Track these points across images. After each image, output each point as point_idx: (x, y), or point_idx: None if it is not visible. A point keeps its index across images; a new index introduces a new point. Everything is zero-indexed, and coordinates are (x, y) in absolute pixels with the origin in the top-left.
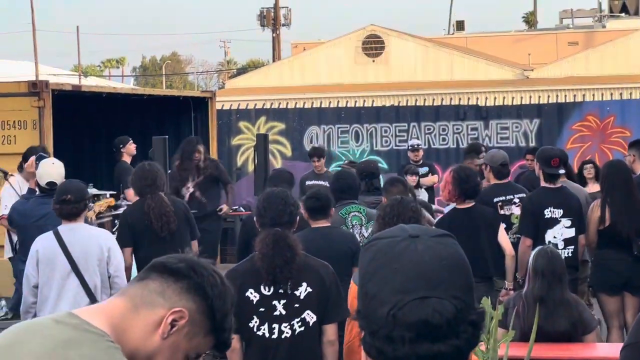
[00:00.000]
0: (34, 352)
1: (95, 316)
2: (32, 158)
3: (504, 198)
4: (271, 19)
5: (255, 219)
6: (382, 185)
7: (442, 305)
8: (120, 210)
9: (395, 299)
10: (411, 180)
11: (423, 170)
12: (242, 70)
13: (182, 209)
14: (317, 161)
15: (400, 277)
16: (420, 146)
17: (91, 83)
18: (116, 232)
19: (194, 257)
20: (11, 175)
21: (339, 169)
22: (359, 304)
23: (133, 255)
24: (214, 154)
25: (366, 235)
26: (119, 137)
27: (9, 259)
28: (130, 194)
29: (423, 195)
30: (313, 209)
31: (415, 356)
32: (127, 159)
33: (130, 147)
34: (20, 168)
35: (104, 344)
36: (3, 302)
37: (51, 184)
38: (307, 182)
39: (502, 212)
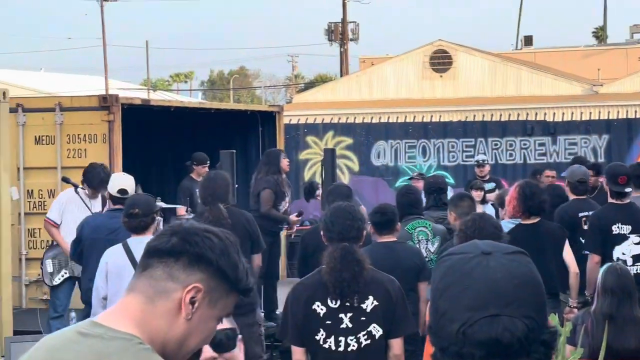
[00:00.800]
0: None
1: (119, 320)
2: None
3: (587, 213)
4: (339, 34)
5: (322, 233)
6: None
7: (513, 324)
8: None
9: (466, 316)
10: (476, 195)
11: (489, 185)
12: (309, 85)
13: (242, 222)
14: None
15: (471, 294)
16: (486, 162)
17: (159, 97)
18: None
19: (182, 225)
20: (82, 188)
21: (405, 183)
22: (430, 319)
23: None
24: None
25: (432, 250)
26: (199, 154)
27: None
28: (181, 212)
29: (489, 210)
30: (379, 223)
31: None
32: (195, 176)
33: (202, 169)
34: (83, 182)
35: (133, 348)
36: (73, 314)
37: (123, 192)
38: None
39: (585, 227)
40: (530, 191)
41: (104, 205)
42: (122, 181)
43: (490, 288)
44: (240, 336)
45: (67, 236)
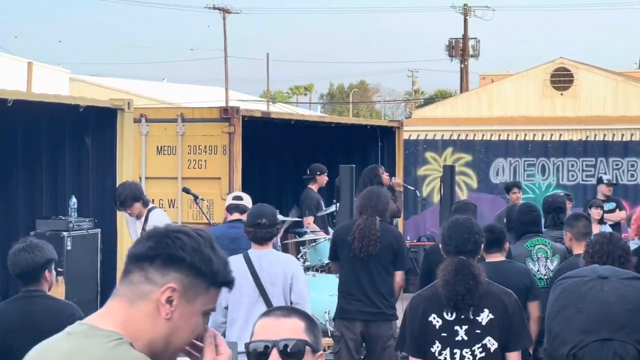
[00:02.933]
0: None
1: (103, 321)
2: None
3: None
4: (459, 50)
5: (440, 246)
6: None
7: (624, 349)
8: (305, 237)
9: (577, 339)
10: (596, 213)
11: (610, 205)
12: (429, 100)
13: (389, 238)
14: (518, 192)
15: (583, 318)
16: (612, 182)
17: (279, 109)
18: (301, 258)
19: (157, 229)
20: (202, 199)
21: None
22: (546, 340)
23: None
24: (400, 180)
25: (551, 268)
26: (317, 165)
27: None
28: (308, 221)
29: (607, 230)
30: (488, 242)
31: None
32: (315, 187)
33: (323, 178)
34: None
35: (111, 342)
36: None
37: (238, 198)
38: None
39: None
40: None
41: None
42: (238, 192)
43: (603, 312)
44: (321, 352)
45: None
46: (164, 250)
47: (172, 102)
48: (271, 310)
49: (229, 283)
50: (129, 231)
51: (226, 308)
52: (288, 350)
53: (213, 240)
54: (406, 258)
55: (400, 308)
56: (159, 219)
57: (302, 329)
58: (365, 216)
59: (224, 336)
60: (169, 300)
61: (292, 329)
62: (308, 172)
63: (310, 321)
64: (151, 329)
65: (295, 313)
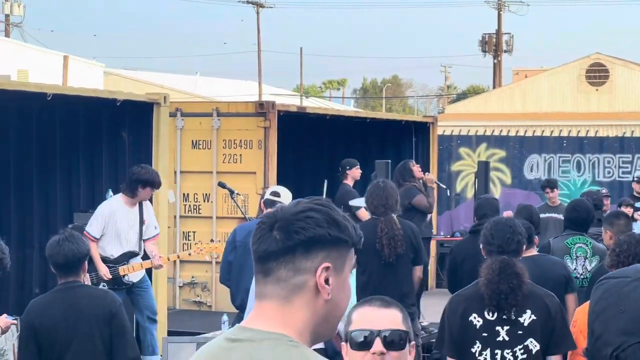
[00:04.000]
0: None
1: (263, 323)
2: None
3: None
4: (493, 45)
5: (482, 245)
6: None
7: None
8: None
9: (619, 340)
10: (627, 212)
11: None
12: (461, 96)
13: (408, 233)
14: (551, 192)
15: (625, 318)
16: None
17: (312, 104)
18: None
19: (276, 215)
20: (238, 194)
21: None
22: (587, 342)
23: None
24: (433, 176)
25: (589, 268)
26: (347, 159)
27: None
28: (362, 214)
29: (638, 229)
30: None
31: None
32: (350, 182)
33: (356, 172)
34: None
35: (284, 345)
36: (225, 317)
37: (275, 194)
38: (541, 215)
39: None
40: None
41: (141, 214)
42: (276, 187)
43: None
44: (413, 342)
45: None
46: (303, 235)
47: (206, 96)
48: (369, 299)
49: (360, 240)
50: (114, 222)
51: None
52: (391, 340)
53: (332, 204)
54: (424, 253)
55: (432, 306)
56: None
57: (400, 320)
58: (382, 217)
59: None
60: (326, 280)
61: (392, 320)
62: (340, 169)
63: (404, 312)
64: (312, 317)
65: (393, 304)
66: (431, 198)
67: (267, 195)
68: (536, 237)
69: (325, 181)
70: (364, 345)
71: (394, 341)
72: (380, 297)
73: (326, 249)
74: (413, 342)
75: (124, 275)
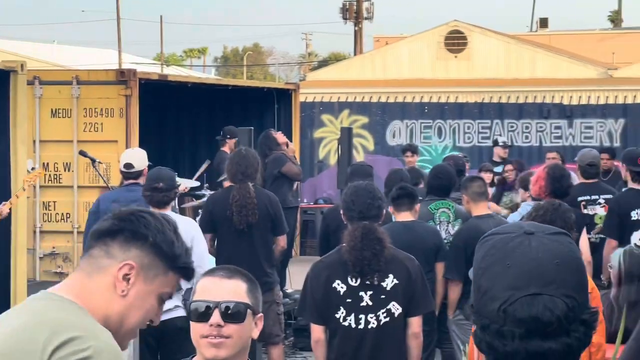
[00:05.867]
0: (9, 326)
1: (64, 291)
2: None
3: (588, 197)
4: (354, 12)
5: (342, 212)
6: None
7: (554, 303)
8: (204, 200)
9: (507, 294)
10: (486, 177)
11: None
12: (322, 63)
13: (265, 203)
14: (411, 156)
15: (512, 273)
16: (508, 143)
17: (174, 72)
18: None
19: (121, 210)
20: (100, 162)
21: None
22: (472, 298)
23: (214, 243)
24: (296, 146)
25: (452, 232)
26: (230, 127)
27: None
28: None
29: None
30: (399, 200)
31: (525, 352)
32: (227, 150)
33: (232, 142)
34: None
35: (71, 309)
36: None
37: (128, 166)
38: None
39: (585, 211)
40: (560, 174)
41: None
42: (129, 155)
43: (532, 267)
44: (260, 314)
45: None
46: (127, 226)
47: (64, 64)
48: (214, 269)
49: (188, 271)
50: None
51: None
52: (230, 312)
53: (177, 226)
54: (284, 221)
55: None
56: None
57: (244, 291)
58: (238, 184)
59: None
60: (126, 278)
61: (234, 291)
62: (221, 133)
63: (251, 283)
64: (106, 304)
65: (238, 274)
66: (298, 166)
67: (121, 168)
68: (418, 204)
69: (208, 161)
70: (203, 316)
71: (233, 313)
72: (226, 267)
73: (142, 250)
74: (260, 315)
75: None
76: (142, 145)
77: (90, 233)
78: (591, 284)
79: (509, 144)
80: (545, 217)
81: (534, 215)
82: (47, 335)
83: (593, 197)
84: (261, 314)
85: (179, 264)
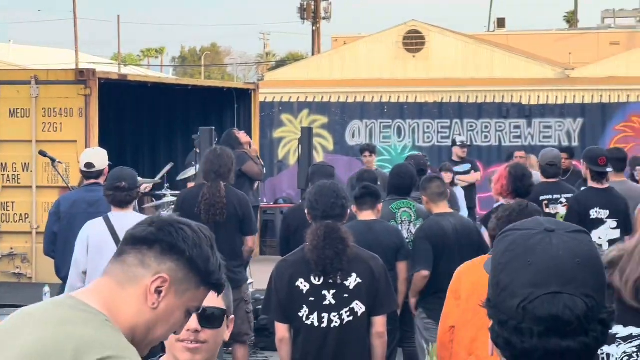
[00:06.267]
0: (31, 335)
1: (90, 297)
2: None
3: (550, 197)
4: (311, 12)
5: (306, 211)
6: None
7: (574, 302)
8: (165, 200)
9: (527, 292)
10: (446, 177)
11: (465, 167)
12: (280, 63)
13: (234, 202)
14: (369, 156)
15: (533, 271)
16: (466, 143)
17: (131, 72)
18: None
19: (160, 217)
20: (59, 162)
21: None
22: (490, 293)
23: None
24: (256, 146)
25: (414, 232)
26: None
27: None
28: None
29: (459, 192)
30: (361, 199)
31: (543, 350)
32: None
33: None
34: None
35: (98, 321)
36: (47, 288)
37: (89, 165)
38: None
39: (547, 210)
40: (521, 173)
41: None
42: (89, 155)
43: (553, 265)
44: (232, 316)
45: None
46: (166, 237)
47: (20, 64)
48: None
49: (219, 287)
50: None
51: (84, 273)
52: (207, 317)
53: (214, 241)
54: (254, 221)
55: (259, 273)
56: None
57: (219, 295)
58: (210, 183)
59: None
60: (158, 290)
61: (210, 296)
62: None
63: (225, 284)
64: (135, 315)
65: None
66: (259, 166)
67: (82, 167)
68: (380, 203)
69: (171, 164)
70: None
71: (210, 319)
72: None
73: (178, 264)
74: (232, 316)
75: None
76: (101, 145)
77: (126, 237)
78: None
79: (467, 143)
80: (511, 217)
81: (500, 215)
82: (73, 354)
83: (555, 196)
84: (233, 316)
85: (212, 280)
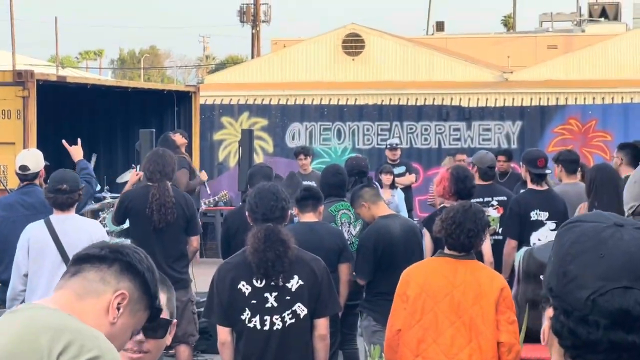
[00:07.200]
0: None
1: (52, 306)
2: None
3: (481, 200)
4: (251, 15)
5: (247, 213)
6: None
7: None
8: (103, 202)
9: (597, 285)
10: (386, 179)
11: (400, 169)
12: (220, 66)
13: (181, 203)
14: (304, 159)
15: (604, 264)
16: (398, 145)
17: (69, 74)
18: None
19: (111, 242)
20: None
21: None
22: (552, 282)
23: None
24: (196, 149)
25: (354, 233)
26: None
27: None
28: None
29: (399, 194)
30: (303, 202)
31: (608, 342)
32: None
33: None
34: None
35: (62, 313)
36: None
37: (23, 168)
38: None
39: None
40: (463, 174)
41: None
42: (24, 157)
43: (625, 261)
44: (175, 321)
45: None
46: (124, 257)
47: None
48: None
49: (159, 311)
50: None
51: (26, 276)
52: (152, 328)
53: (155, 269)
54: (198, 222)
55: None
56: None
57: (164, 304)
58: (157, 183)
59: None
60: (118, 307)
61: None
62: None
63: (169, 290)
64: (94, 326)
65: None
66: (198, 178)
67: (17, 170)
68: (322, 205)
69: (95, 155)
70: None
71: (155, 330)
72: None
73: (134, 283)
74: (175, 321)
75: None
76: (40, 146)
77: (79, 256)
78: (503, 282)
79: (396, 144)
80: (456, 218)
81: (445, 217)
82: (49, 337)
83: (486, 199)
84: (175, 320)
85: (156, 305)
